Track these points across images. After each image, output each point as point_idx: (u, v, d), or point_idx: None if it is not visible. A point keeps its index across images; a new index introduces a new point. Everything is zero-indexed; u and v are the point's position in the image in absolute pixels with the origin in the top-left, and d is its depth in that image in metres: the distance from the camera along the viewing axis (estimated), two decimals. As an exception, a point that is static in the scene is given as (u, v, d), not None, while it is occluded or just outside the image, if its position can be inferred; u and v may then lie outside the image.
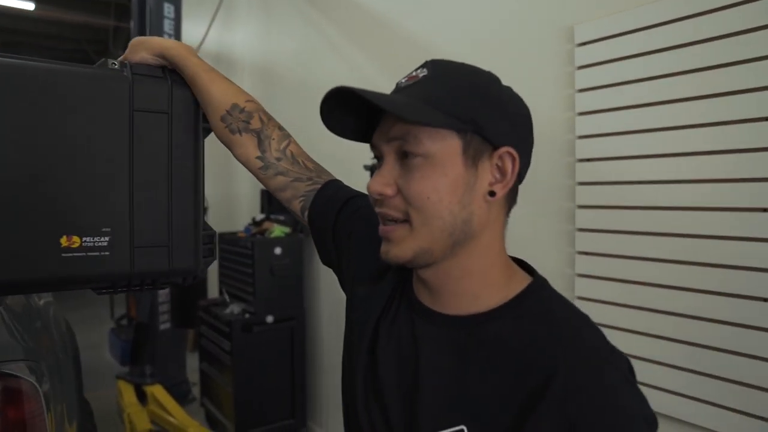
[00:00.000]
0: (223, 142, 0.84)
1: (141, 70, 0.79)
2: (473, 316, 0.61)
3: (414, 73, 0.62)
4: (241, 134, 0.81)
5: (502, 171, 0.59)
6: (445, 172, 0.58)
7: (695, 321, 1.23)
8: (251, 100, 0.84)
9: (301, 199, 0.82)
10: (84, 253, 0.72)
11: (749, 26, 1.12)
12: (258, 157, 0.81)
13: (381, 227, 0.62)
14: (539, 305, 0.60)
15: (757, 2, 1.11)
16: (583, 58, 1.42)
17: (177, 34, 3.15)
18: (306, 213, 0.82)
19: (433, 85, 0.60)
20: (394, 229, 0.60)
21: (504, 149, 0.59)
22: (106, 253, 0.74)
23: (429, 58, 0.64)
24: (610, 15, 1.36)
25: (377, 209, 0.62)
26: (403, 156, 0.59)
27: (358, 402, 0.67)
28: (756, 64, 1.11)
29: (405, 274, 0.71)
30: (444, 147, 0.58)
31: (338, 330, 2.68)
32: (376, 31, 2.33)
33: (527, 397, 0.54)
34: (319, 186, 0.82)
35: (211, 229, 0.88)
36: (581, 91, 1.43)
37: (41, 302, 1.25)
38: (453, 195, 0.58)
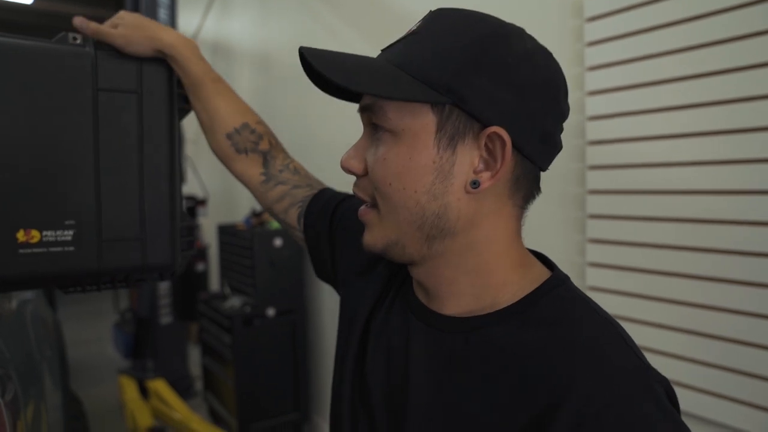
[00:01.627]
0: (220, 156, 0.80)
1: (106, 45, 0.72)
2: (473, 318, 0.51)
3: (412, 27, 0.51)
4: (247, 154, 0.78)
5: (492, 155, 0.47)
6: (411, 155, 0.48)
7: (716, 312, 1.15)
8: (261, 122, 0.81)
9: (299, 205, 0.76)
10: (45, 249, 0.66)
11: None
12: (261, 173, 0.78)
13: (360, 208, 0.56)
14: (554, 307, 0.49)
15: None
16: (594, 34, 1.33)
17: (172, 23, 3.07)
18: (302, 221, 0.75)
19: (415, 43, 0.49)
20: (367, 212, 0.54)
21: (491, 129, 0.46)
22: (71, 248, 0.67)
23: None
24: (622, -14, 1.27)
25: (352, 187, 0.55)
26: (375, 128, 0.51)
27: (344, 408, 0.61)
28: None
29: (400, 265, 0.63)
30: (413, 123, 0.47)
31: (341, 322, 2.62)
32: (374, 13, 2.25)
33: (530, 422, 0.43)
34: (316, 191, 0.77)
35: (190, 219, 0.81)
36: (591, 69, 1.34)
37: (13, 303, 1.19)
38: (420, 183, 0.48)
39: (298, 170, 0.80)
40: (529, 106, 0.47)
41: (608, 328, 0.47)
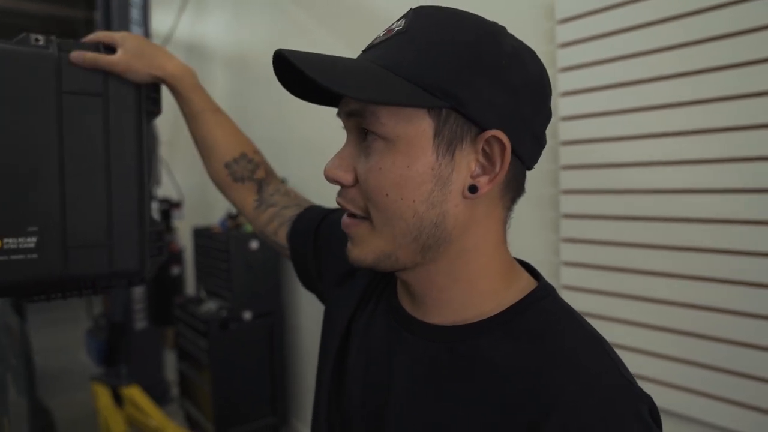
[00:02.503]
0: (218, 183, 0.82)
1: (69, 46, 0.70)
2: (457, 327, 0.50)
3: (392, 26, 0.49)
4: (243, 182, 0.80)
5: (490, 159, 0.46)
6: (408, 163, 0.45)
7: (688, 309, 1.17)
8: (257, 152, 0.83)
9: (288, 224, 0.76)
10: (6, 257, 0.64)
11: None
12: (255, 200, 0.80)
13: (342, 219, 0.52)
14: (539, 319, 0.48)
15: (747, -30, 1.05)
16: (565, 36, 1.35)
17: (145, 23, 3.01)
18: (289, 239, 0.75)
19: (405, 44, 0.46)
20: (355, 225, 0.50)
21: (490, 133, 0.45)
22: (34, 255, 0.65)
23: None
24: (593, -11, 1.29)
25: (336, 198, 0.52)
26: (364, 135, 0.48)
27: (321, 415, 0.59)
28: (746, 36, 1.05)
29: (383, 272, 0.61)
30: (409, 129, 0.45)
31: (318, 325, 2.60)
32: (347, 13, 2.24)
33: None
34: (301, 210, 0.77)
35: (159, 224, 0.79)
36: (563, 70, 1.36)
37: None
38: (418, 192, 0.45)
39: (288, 193, 0.82)
40: (523, 107, 0.46)
41: (593, 343, 0.46)
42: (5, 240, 0.63)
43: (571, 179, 1.37)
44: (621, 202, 1.27)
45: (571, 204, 1.37)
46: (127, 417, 2.73)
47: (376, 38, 0.50)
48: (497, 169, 0.46)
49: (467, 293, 0.50)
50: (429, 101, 0.44)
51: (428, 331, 0.51)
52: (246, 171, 0.80)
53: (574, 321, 0.48)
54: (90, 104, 0.69)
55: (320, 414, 0.60)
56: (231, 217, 2.73)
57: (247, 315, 2.53)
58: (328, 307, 0.69)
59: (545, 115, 0.50)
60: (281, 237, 0.77)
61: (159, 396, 3.13)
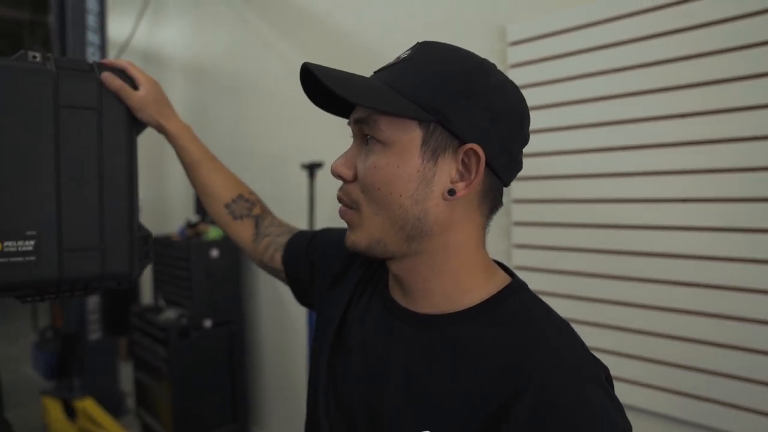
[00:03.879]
0: (218, 222, 0.91)
1: (66, 64, 0.75)
2: (445, 315, 0.58)
3: (400, 54, 0.59)
4: (242, 219, 0.89)
5: (468, 168, 0.55)
6: (399, 163, 0.54)
7: (631, 308, 1.31)
8: (252, 192, 0.93)
9: (281, 248, 0.85)
10: (6, 259, 0.68)
11: (675, 27, 1.20)
12: (253, 233, 0.88)
13: (339, 208, 0.62)
14: (516, 308, 0.57)
15: (677, 6, 1.19)
16: (515, 57, 1.47)
17: (102, 30, 2.98)
18: (282, 259, 0.84)
19: (408, 69, 0.56)
20: (346, 212, 0.60)
21: (468, 146, 0.54)
22: (32, 258, 0.69)
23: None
24: (541, 15, 1.42)
25: (337, 192, 0.61)
26: (366, 140, 0.58)
27: (320, 402, 0.65)
28: (687, 62, 1.20)
29: (375, 267, 0.70)
30: (403, 136, 0.54)
31: (279, 332, 2.64)
32: (307, 26, 2.31)
33: (498, 408, 0.49)
34: (291, 235, 0.87)
35: (146, 230, 0.84)
36: (514, 89, 1.47)
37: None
38: (405, 189, 0.55)
39: (280, 224, 0.90)
40: (501, 129, 0.55)
41: (562, 327, 0.56)
42: (5, 243, 0.67)
43: (520, 190, 1.49)
44: (566, 210, 1.40)
45: (520, 212, 1.49)
46: (80, 430, 2.67)
47: (387, 63, 0.59)
48: (473, 176, 0.54)
49: (449, 286, 0.58)
50: (420, 115, 0.53)
51: (419, 320, 0.59)
52: (244, 209, 0.89)
53: (546, 309, 0.58)
54: (85, 117, 0.74)
55: (319, 407, 0.66)
56: (191, 225, 2.73)
57: (208, 323, 2.54)
58: (321, 308, 0.76)
59: (522, 139, 0.59)
60: (277, 261, 0.85)
61: (114, 407, 3.07)
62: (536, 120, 1.43)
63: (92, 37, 2.91)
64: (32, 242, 0.70)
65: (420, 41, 0.59)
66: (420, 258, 0.58)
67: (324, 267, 0.77)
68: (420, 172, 0.55)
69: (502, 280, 0.60)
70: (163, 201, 3.66)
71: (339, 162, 0.59)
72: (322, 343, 0.69)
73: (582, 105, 1.35)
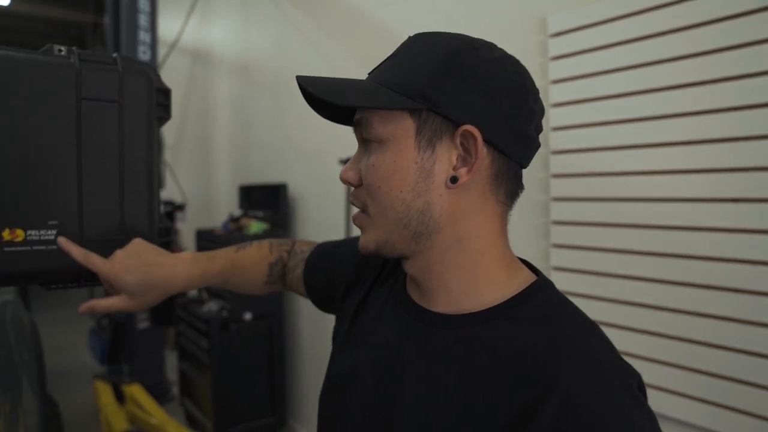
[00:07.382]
0: (271, 291, 0.89)
1: (89, 57, 0.76)
2: (463, 315, 0.55)
3: (393, 51, 0.58)
4: (281, 276, 0.87)
5: (468, 152, 0.52)
6: (395, 158, 0.53)
7: (676, 314, 1.23)
8: (274, 248, 0.87)
9: (302, 267, 0.83)
10: (29, 248, 0.69)
11: (724, 14, 1.11)
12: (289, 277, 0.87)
13: (353, 213, 0.62)
14: (540, 308, 0.53)
15: (725, -9, 1.11)
16: (557, 49, 1.41)
17: (153, 29, 3.09)
18: (304, 274, 0.82)
19: (396, 63, 0.55)
20: (358, 217, 0.59)
21: (463, 128, 0.51)
22: (53, 247, 0.71)
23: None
24: (583, 5, 1.35)
25: (350, 196, 0.61)
26: (366, 142, 0.56)
27: (334, 399, 0.64)
28: (735, 52, 1.11)
29: (391, 266, 0.69)
30: (394, 130, 0.53)
31: (317, 327, 2.66)
32: (352, 23, 2.31)
33: (519, 413, 0.46)
34: (308, 253, 0.84)
35: (167, 221, 0.85)
36: (554, 82, 1.42)
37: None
38: (404, 183, 0.52)
39: (303, 250, 0.87)
40: (500, 106, 0.52)
41: (590, 329, 0.52)
42: (29, 232, 0.69)
43: (561, 187, 1.42)
44: (609, 209, 1.33)
45: (561, 211, 1.43)
46: (128, 414, 2.78)
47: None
48: (473, 159, 0.51)
49: (465, 282, 0.55)
50: (406, 104, 0.51)
51: (435, 318, 0.56)
52: (279, 271, 0.87)
53: (572, 310, 0.54)
54: (106, 110, 0.75)
55: (332, 391, 0.65)
56: (233, 219, 2.79)
57: (248, 316, 2.59)
58: (339, 313, 0.75)
59: (527, 113, 0.54)
60: (299, 281, 0.84)
61: (160, 395, 3.18)
62: (578, 115, 1.37)
63: (144, 36, 3.01)
64: (54, 231, 0.71)
65: (411, 35, 0.57)
66: (431, 255, 0.55)
67: (340, 276, 0.76)
68: (418, 163, 0.52)
69: (525, 279, 0.56)
70: (210, 196, 3.75)
71: (345, 167, 0.59)
72: (338, 333, 0.70)
73: (627, 98, 1.27)
